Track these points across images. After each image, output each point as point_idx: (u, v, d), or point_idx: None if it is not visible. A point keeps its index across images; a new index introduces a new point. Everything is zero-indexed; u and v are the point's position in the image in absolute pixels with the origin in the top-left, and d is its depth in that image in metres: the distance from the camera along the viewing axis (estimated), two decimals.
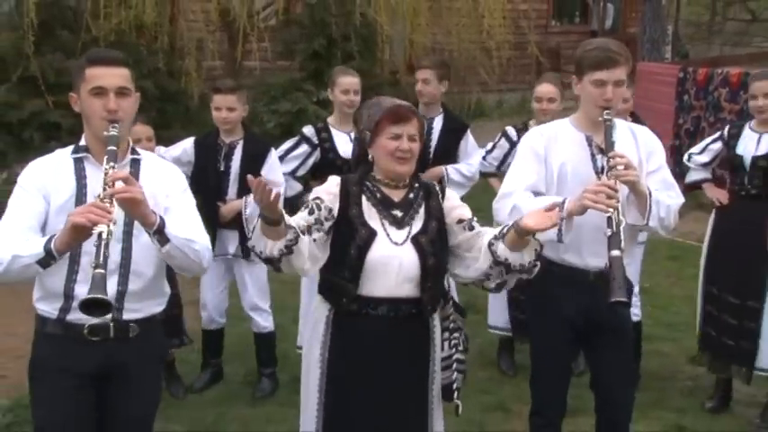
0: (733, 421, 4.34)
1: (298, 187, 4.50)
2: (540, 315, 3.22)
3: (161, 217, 2.48)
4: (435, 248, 2.68)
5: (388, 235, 2.65)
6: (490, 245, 2.61)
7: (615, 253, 2.67)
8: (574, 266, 3.07)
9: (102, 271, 2.26)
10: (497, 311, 4.86)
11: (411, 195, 2.73)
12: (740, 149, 4.21)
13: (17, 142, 7.21)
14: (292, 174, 4.46)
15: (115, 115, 2.52)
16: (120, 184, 2.39)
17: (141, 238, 2.56)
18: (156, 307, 2.72)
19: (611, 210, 2.72)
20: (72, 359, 2.58)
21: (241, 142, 4.33)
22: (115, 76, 2.55)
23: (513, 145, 4.58)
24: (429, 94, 4.60)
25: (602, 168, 2.98)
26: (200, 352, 4.70)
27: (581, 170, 3.04)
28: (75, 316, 2.52)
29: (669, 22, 15.56)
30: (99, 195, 2.37)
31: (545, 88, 4.55)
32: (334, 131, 4.45)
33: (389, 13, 7.83)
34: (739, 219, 4.24)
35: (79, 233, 2.33)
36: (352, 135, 4.20)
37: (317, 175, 4.46)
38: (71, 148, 2.65)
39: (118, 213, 2.48)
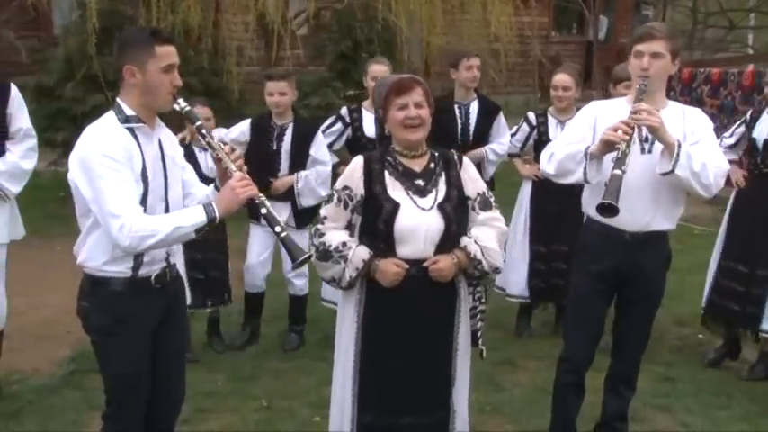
0: (718, 373, 4.24)
1: (334, 159, 4.50)
2: (579, 268, 3.14)
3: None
4: (458, 215, 2.60)
5: (415, 203, 2.56)
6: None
7: (616, 172, 2.67)
8: (611, 225, 2.96)
9: (287, 232, 2.45)
10: (516, 281, 4.72)
11: (432, 165, 2.63)
12: (755, 132, 4.09)
13: (80, 133, 7.15)
14: (329, 147, 4.45)
15: (177, 90, 2.46)
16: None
17: (171, 192, 2.56)
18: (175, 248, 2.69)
19: (622, 141, 2.71)
20: (146, 310, 2.53)
21: (292, 124, 4.31)
22: (177, 55, 2.48)
23: (532, 129, 4.60)
24: (476, 79, 4.60)
25: (646, 138, 2.90)
26: (240, 313, 4.62)
27: None
28: (145, 270, 2.51)
29: None
30: (234, 171, 2.46)
31: (560, 77, 4.47)
32: (365, 113, 4.49)
33: (408, 18, 7.73)
34: (754, 196, 4.11)
35: (238, 204, 2.43)
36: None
37: (351, 150, 4.53)
38: (113, 117, 2.45)
39: (161, 174, 2.51)
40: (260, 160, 4.21)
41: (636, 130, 2.81)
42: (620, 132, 2.72)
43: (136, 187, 2.40)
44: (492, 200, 2.70)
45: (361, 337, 2.64)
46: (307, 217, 4.35)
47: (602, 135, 2.79)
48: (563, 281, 4.55)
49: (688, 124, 2.95)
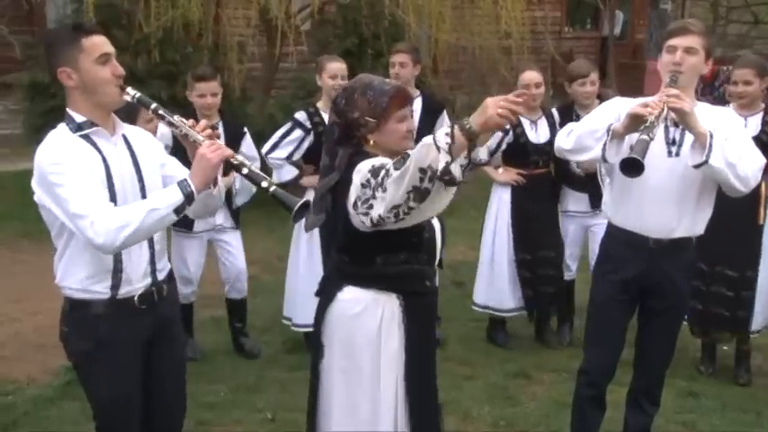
0: (745, 388, 4.23)
1: (294, 171, 4.41)
2: (600, 277, 3.12)
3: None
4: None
5: None
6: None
7: (643, 137, 2.64)
8: (634, 232, 2.96)
9: (275, 186, 2.31)
10: (510, 298, 4.61)
11: None
12: None
13: None
14: (288, 158, 4.35)
15: (122, 80, 2.35)
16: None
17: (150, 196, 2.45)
18: (168, 262, 2.63)
19: (650, 114, 2.68)
20: (130, 332, 2.45)
21: (221, 124, 4.29)
22: (109, 43, 2.37)
23: (506, 132, 4.41)
24: (405, 77, 4.47)
25: (672, 140, 2.89)
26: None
27: None
28: (125, 290, 2.43)
29: None
30: (202, 141, 2.35)
31: (530, 75, 4.38)
32: (326, 116, 4.32)
33: (417, 14, 7.73)
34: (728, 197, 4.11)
35: (219, 168, 2.34)
36: None
37: (310, 159, 4.33)
38: (65, 128, 2.36)
39: (134, 176, 2.42)
40: (189, 162, 4.19)
41: (662, 125, 2.79)
42: (648, 109, 2.70)
43: (102, 188, 2.31)
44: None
45: (405, 372, 2.43)
46: (238, 216, 4.45)
47: (630, 110, 2.75)
48: (551, 288, 4.58)
49: (718, 122, 2.92)
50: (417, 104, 4.48)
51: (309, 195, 4.01)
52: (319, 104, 4.40)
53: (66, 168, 2.26)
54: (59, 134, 2.37)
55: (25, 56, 7.82)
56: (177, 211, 2.29)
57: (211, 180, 2.36)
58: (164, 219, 2.28)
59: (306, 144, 4.35)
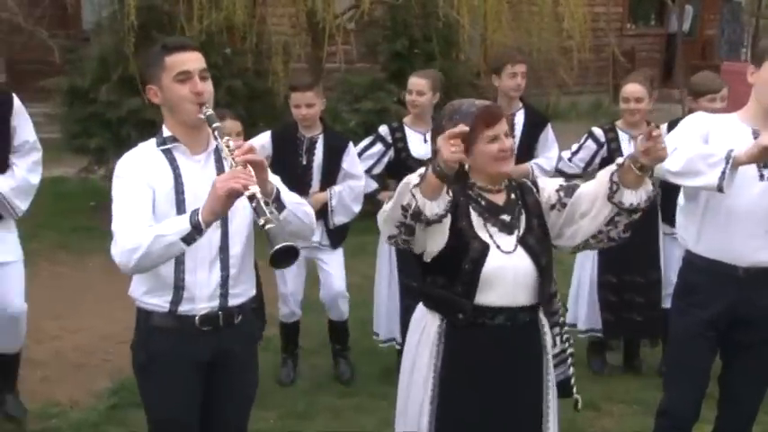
0: None
1: (374, 185, 4.49)
2: (682, 311, 3.05)
3: (275, 185, 2.43)
4: (543, 246, 2.55)
5: (498, 246, 2.51)
6: (610, 197, 2.41)
7: None
8: (721, 261, 2.90)
9: (274, 224, 2.20)
10: (586, 314, 4.66)
11: (512, 196, 2.59)
12: None
13: (115, 139, 7.34)
14: (368, 172, 4.44)
15: (203, 98, 2.46)
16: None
17: (235, 221, 2.51)
18: (251, 290, 2.68)
19: None
20: (187, 350, 2.54)
21: (321, 136, 4.33)
22: (195, 59, 2.50)
23: (600, 146, 4.48)
24: (520, 88, 4.53)
25: (765, 163, 2.81)
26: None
27: None
28: (186, 307, 2.52)
29: (748, 23, 14.99)
30: (231, 164, 2.33)
31: (632, 88, 4.39)
32: (408, 131, 4.44)
33: (471, 14, 7.72)
34: None
35: (231, 200, 2.29)
36: (428, 136, 4.19)
37: (392, 174, 4.47)
38: (154, 141, 2.55)
39: None
40: (289, 177, 4.22)
41: None
42: None
43: (150, 204, 2.44)
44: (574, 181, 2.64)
45: (438, 396, 2.56)
46: (341, 235, 4.43)
47: (763, 141, 2.65)
48: (640, 316, 4.52)
49: None
50: (520, 118, 4.56)
51: None
52: (406, 119, 4.52)
53: (122, 183, 2.49)
54: (143, 146, 2.58)
55: (64, 60, 8.02)
56: (186, 240, 2.33)
57: (218, 212, 2.33)
58: (172, 246, 2.34)
59: (386, 159, 4.46)
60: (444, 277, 2.52)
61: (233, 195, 2.27)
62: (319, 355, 4.78)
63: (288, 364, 4.58)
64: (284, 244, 2.15)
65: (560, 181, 2.64)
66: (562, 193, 2.54)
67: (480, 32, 8.45)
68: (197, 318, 2.52)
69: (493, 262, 2.48)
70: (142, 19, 6.97)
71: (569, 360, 2.66)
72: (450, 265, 2.49)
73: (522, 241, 2.52)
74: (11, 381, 3.96)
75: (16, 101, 3.69)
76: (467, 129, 2.28)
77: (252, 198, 2.24)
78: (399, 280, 4.43)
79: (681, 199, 3.11)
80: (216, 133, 2.44)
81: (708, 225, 2.94)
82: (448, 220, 2.43)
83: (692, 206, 3.00)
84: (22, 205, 3.71)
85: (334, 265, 4.46)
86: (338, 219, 4.34)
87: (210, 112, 2.47)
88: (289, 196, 2.48)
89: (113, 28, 7.40)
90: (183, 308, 2.51)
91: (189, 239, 2.33)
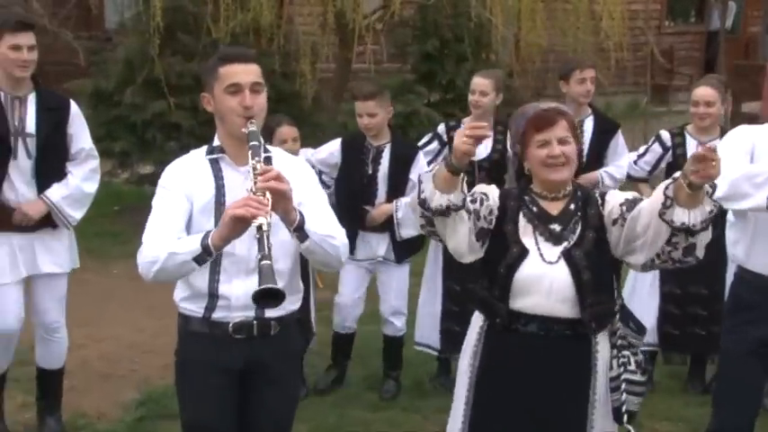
0: None
1: None
2: (733, 328, 3.02)
3: (301, 213, 2.44)
4: (591, 261, 2.51)
5: (540, 254, 2.52)
6: (661, 214, 2.34)
7: None
8: None
9: (269, 262, 2.22)
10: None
11: (572, 207, 2.57)
12: None
13: (140, 143, 7.44)
14: None
15: (251, 111, 2.49)
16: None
17: (279, 235, 2.49)
18: (294, 304, 2.70)
19: None
20: (218, 356, 2.60)
21: (389, 145, 4.33)
22: (248, 72, 2.53)
23: (666, 150, 4.48)
24: (589, 94, 4.57)
25: None
26: (317, 353, 4.67)
27: None
28: (221, 314, 2.58)
29: None
30: (251, 189, 2.33)
31: (703, 91, 4.34)
32: None
33: (506, 13, 7.71)
34: None
35: (239, 226, 2.31)
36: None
37: None
38: (205, 148, 2.64)
39: None
40: (354, 186, 4.27)
41: None
42: None
43: (184, 216, 2.52)
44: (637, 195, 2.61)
45: (473, 400, 2.62)
46: (407, 250, 4.38)
47: None
48: (703, 330, 4.44)
49: None
50: (589, 125, 4.58)
51: None
52: (465, 120, 4.53)
53: (161, 193, 2.59)
54: (193, 153, 2.66)
55: (89, 62, 8.11)
56: (197, 260, 2.40)
57: (227, 238, 2.36)
58: (184, 264, 2.42)
59: (441, 158, 4.43)
60: (487, 279, 2.61)
61: (240, 222, 2.30)
62: (353, 368, 4.75)
63: (330, 373, 4.59)
64: (268, 286, 2.18)
65: (627, 195, 2.59)
66: (624, 208, 2.51)
67: (513, 33, 8.42)
68: (230, 325, 2.58)
69: (529, 269, 2.50)
70: (168, 20, 7.03)
71: (623, 387, 2.55)
72: (490, 267, 2.57)
73: (566, 253, 2.51)
74: (53, 400, 3.94)
75: (74, 107, 3.75)
76: (484, 124, 2.45)
77: (258, 228, 2.27)
78: (443, 283, 4.45)
79: (730, 215, 3.07)
80: (250, 153, 2.47)
81: (759, 241, 2.91)
82: (466, 217, 2.49)
83: (742, 223, 2.98)
84: (76, 214, 3.75)
85: (394, 282, 4.44)
86: (405, 232, 4.25)
87: (254, 128, 2.50)
88: (316, 227, 2.48)
89: (138, 29, 7.47)
90: (217, 315, 2.58)
91: (200, 260, 2.41)
